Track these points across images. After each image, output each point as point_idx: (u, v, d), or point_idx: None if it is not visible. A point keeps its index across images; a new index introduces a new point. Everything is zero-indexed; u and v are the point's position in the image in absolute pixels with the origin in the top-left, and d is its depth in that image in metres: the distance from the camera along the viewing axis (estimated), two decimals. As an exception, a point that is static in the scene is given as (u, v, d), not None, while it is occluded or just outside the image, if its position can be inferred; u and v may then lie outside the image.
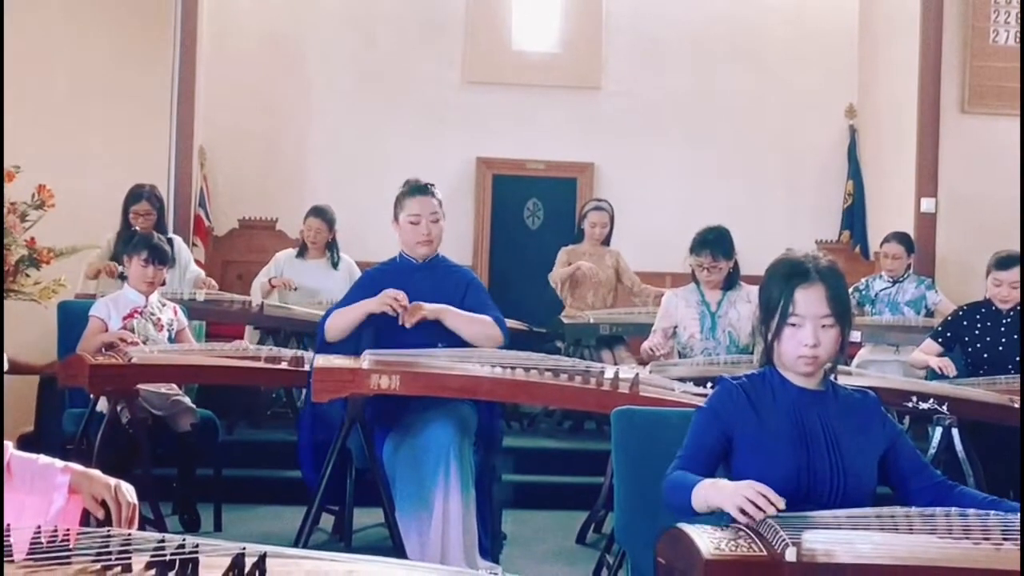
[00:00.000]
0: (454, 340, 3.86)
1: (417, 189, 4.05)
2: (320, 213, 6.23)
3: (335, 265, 6.24)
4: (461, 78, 8.56)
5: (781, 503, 2.15)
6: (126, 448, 4.29)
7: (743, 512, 2.14)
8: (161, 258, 4.67)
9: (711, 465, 2.40)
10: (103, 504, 2.02)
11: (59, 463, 2.05)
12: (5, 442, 2.12)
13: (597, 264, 6.39)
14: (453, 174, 8.22)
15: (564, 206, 8.50)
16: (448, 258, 4.22)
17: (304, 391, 4.45)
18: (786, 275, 2.43)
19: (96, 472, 2.06)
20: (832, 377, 2.52)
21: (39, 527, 1.91)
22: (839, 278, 2.45)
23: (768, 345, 2.47)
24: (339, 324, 3.93)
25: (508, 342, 4.00)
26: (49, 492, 1.99)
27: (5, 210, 4.44)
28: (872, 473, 2.42)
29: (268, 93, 8.23)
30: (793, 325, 2.40)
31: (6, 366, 4.45)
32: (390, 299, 3.82)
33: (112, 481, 2.04)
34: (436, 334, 3.87)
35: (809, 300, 2.39)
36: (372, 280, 4.08)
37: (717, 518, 2.24)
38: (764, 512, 2.14)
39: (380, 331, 3.88)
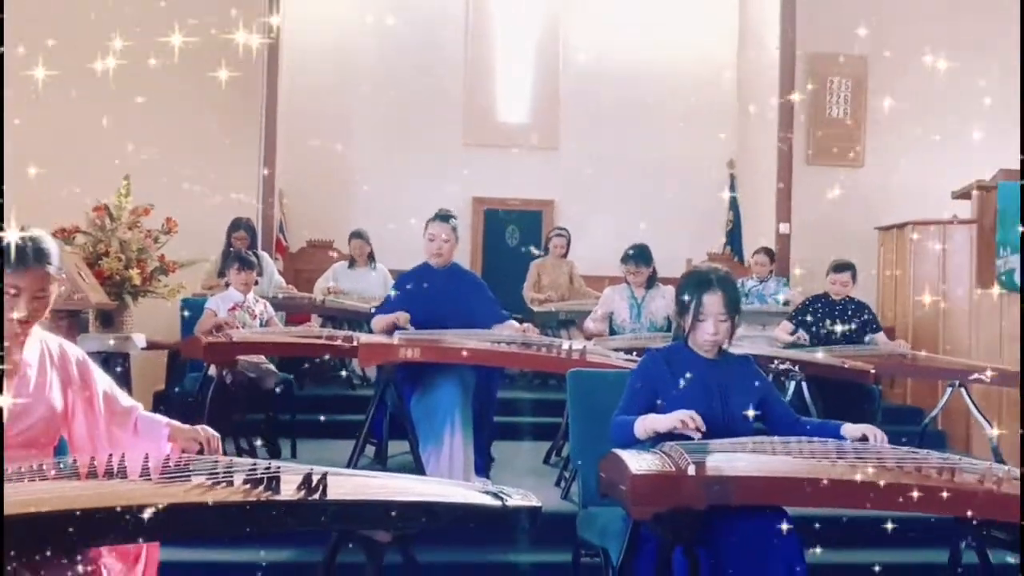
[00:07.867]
0: (464, 323, 3.82)
1: (438, 217, 4.03)
2: (361, 236, 6.25)
3: (374, 270, 6.26)
4: (462, 141, 8.54)
5: (704, 428, 2.21)
6: (229, 400, 4.27)
7: (683, 423, 2.20)
8: (249, 265, 4.67)
9: (643, 413, 2.39)
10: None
11: (164, 420, 2.09)
12: (136, 404, 2.13)
13: (556, 271, 6.49)
14: (455, 208, 7.96)
15: (534, 230, 8.49)
16: (461, 264, 4.19)
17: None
18: (696, 283, 2.44)
19: (186, 425, 2.08)
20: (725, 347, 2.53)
21: (168, 455, 1.91)
22: (733, 285, 2.48)
23: (683, 329, 2.49)
24: (378, 327, 3.90)
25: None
26: (159, 441, 2.03)
27: (143, 235, 4.40)
28: (751, 416, 2.44)
29: (326, 148, 8.17)
30: (701, 320, 2.42)
31: (143, 345, 4.42)
32: (399, 319, 3.80)
33: (199, 427, 2.06)
34: (457, 320, 3.83)
35: (712, 303, 2.41)
36: (406, 281, 4.05)
37: (644, 446, 2.25)
38: (696, 425, 2.20)
39: (415, 321, 3.85)
